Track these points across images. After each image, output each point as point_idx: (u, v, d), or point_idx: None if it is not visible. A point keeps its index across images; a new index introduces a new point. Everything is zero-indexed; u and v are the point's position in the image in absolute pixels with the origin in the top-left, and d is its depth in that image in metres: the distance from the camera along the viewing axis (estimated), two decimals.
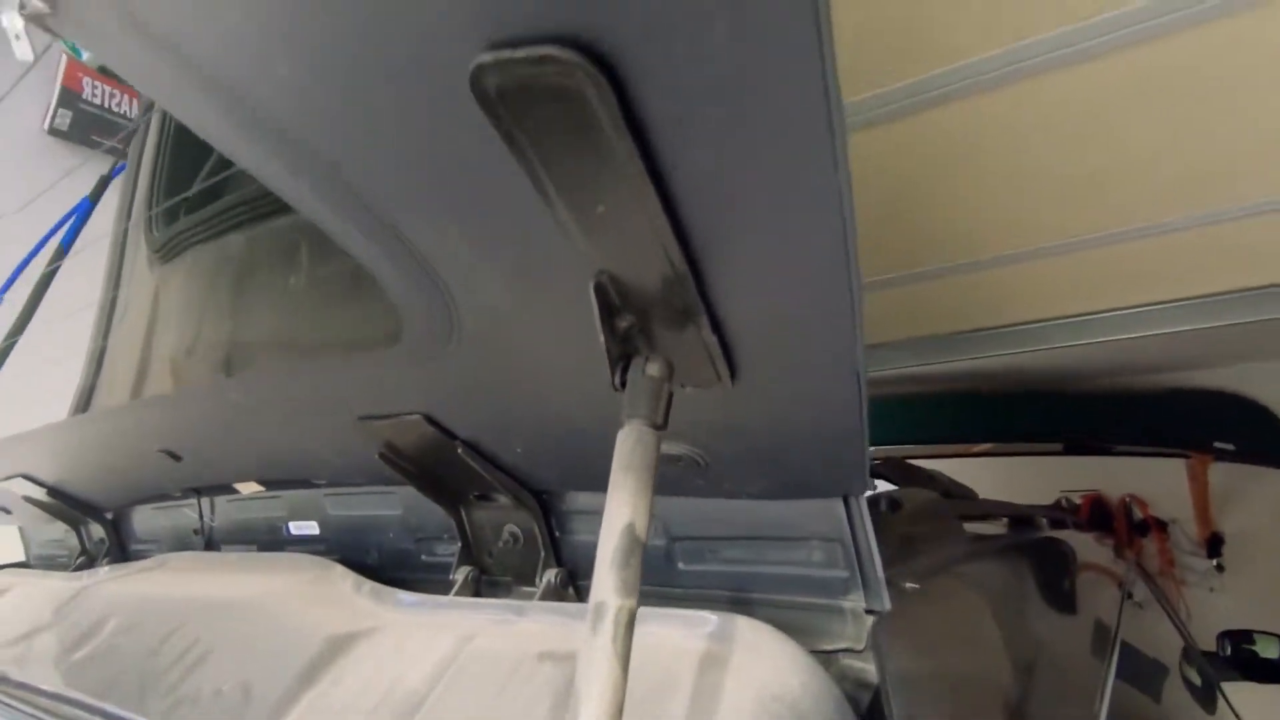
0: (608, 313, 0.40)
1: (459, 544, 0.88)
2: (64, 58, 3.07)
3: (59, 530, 1.48)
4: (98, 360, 1.40)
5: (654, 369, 0.42)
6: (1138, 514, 5.04)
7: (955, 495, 1.10)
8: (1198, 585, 4.68)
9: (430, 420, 0.70)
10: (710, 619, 0.60)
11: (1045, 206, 1.61)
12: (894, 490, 0.86)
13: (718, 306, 0.41)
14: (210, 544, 1.24)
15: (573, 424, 0.62)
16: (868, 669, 0.59)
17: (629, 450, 0.39)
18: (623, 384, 0.43)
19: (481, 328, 0.50)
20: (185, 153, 1.47)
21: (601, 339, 0.41)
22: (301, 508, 1.10)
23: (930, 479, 1.04)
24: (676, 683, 0.56)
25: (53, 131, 3.14)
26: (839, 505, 0.58)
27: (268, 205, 1.10)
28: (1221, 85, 1.31)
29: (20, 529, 1.61)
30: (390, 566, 0.99)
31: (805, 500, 0.60)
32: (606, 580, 0.35)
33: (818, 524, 0.60)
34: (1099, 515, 4.93)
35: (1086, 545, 1.56)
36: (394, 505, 0.98)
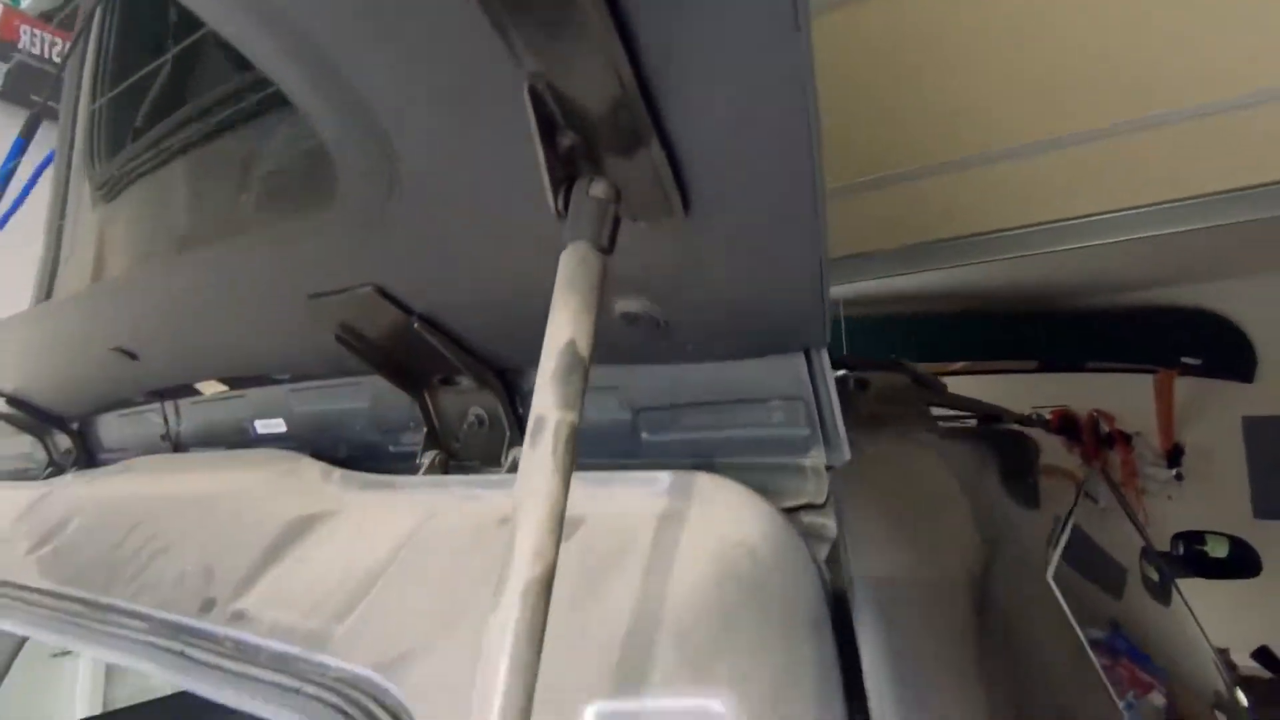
0: (547, 127, 0.38)
1: (424, 430, 0.87)
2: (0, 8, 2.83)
3: (26, 443, 1.45)
4: (55, 249, 1.34)
5: (599, 190, 0.39)
6: (1104, 427, 5.20)
7: (924, 384, 1.10)
8: (1157, 494, 4.88)
9: (382, 293, 0.67)
10: (667, 477, 0.60)
11: (1027, 100, 1.56)
12: (862, 372, 0.86)
13: (669, 125, 0.38)
14: (178, 448, 1.22)
15: (529, 286, 0.60)
16: (827, 524, 0.59)
17: (571, 270, 0.37)
18: (565, 208, 0.40)
19: (421, 168, 0.47)
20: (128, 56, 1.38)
21: (541, 156, 0.38)
22: (267, 405, 1.08)
23: (898, 365, 1.04)
24: (634, 540, 0.56)
25: None
26: (800, 362, 0.57)
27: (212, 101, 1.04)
28: None
29: None
30: (359, 459, 0.98)
31: (767, 358, 0.59)
32: (547, 394, 0.34)
33: (779, 383, 0.59)
34: (1067, 429, 5.07)
35: (1051, 444, 1.59)
36: (360, 397, 0.96)
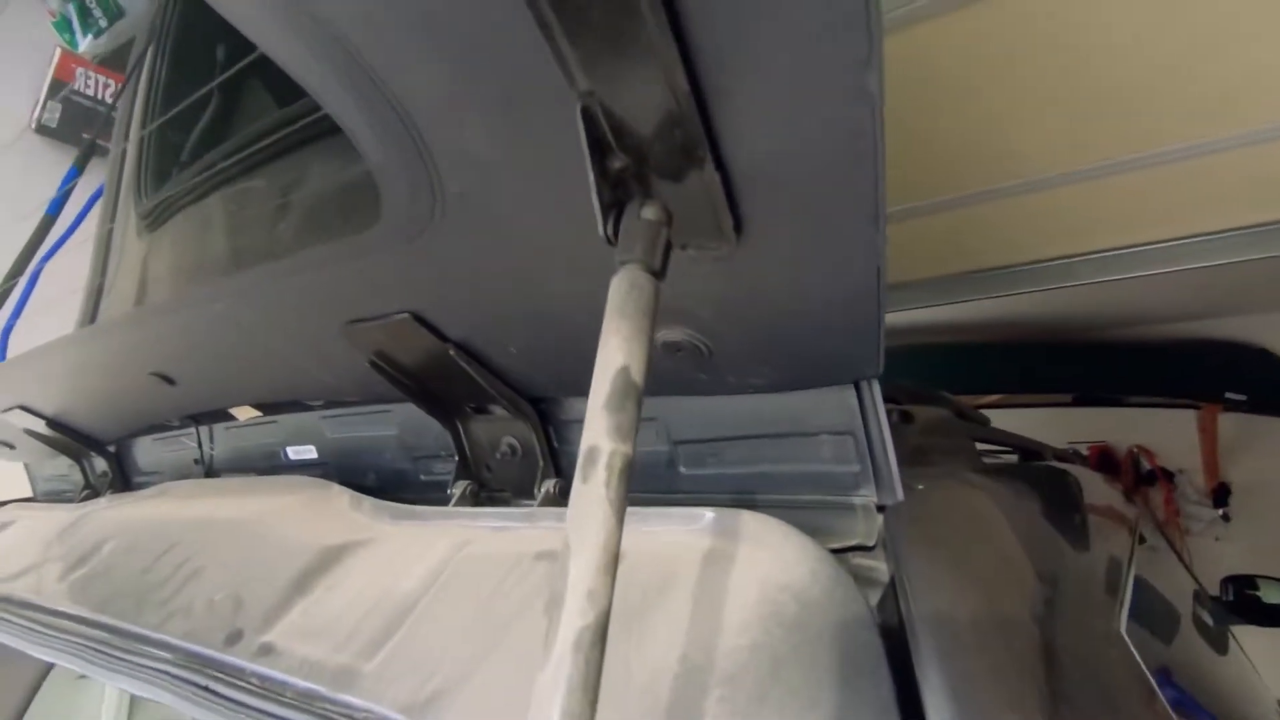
0: (598, 149, 0.36)
1: (456, 459, 0.86)
2: (58, 52, 2.84)
3: (63, 465, 1.47)
4: (100, 276, 1.37)
5: (650, 212, 0.38)
6: (1145, 464, 5.03)
7: (968, 418, 1.07)
8: (1203, 535, 4.69)
9: (419, 319, 0.67)
10: (710, 515, 0.57)
11: (1067, 128, 1.53)
12: (904, 404, 0.83)
13: (724, 145, 0.37)
14: (210, 472, 1.22)
15: (568, 315, 0.58)
16: (878, 566, 0.56)
17: (623, 295, 0.36)
18: (614, 234, 0.39)
19: (465, 187, 0.46)
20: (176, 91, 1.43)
21: (591, 179, 0.37)
22: (299, 432, 1.08)
23: (943, 400, 1.01)
24: (676, 579, 0.54)
25: (40, 129, 2.84)
26: (850, 395, 0.55)
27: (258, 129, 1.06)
28: None
29: (26, 465, 1.61)
30: (388, 487, 0.97)
31: (814, 391, 0.57)
32: (598, 424, 0.32)
33: (827, 416, 0.57)
34: (1106, 465, 4.92)
35: (1095, 481, 1.53)
36: (390, 425, 0.96)
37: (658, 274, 0.37)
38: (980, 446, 1.14)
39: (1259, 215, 1.81)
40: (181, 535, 0.90)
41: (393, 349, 0.74)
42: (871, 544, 0.57)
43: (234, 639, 0.67)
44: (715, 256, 0.44)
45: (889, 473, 0.55)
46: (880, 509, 0.57)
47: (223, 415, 1.18)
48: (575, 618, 0.29)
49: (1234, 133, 1.52)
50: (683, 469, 0.69)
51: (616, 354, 0.34)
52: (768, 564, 0.51)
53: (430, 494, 0.94)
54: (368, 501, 0.86)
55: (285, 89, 1.11)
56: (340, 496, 0.89)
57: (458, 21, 0.34)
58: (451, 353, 0.69)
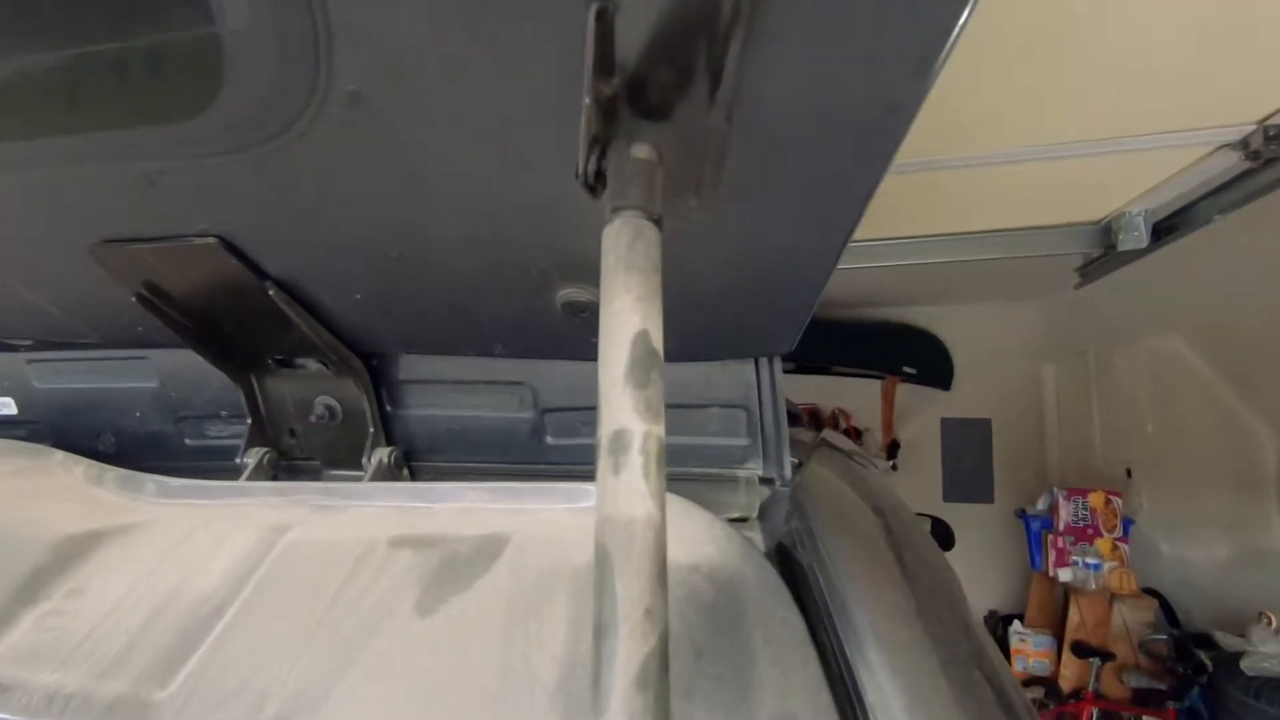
0: (601, 68, 0.30)
1: (248, 421, 0.70)
2: None
3: None
4: None
5: (642, 151, 0.32)
6: (843, 423, 5.99)
7: None
8: None
9: (229, 246, 0.52)
10: (594, 490, 0.53)
11: None
12: None
13: (744, 86, 0.32)
14: None
15: (447, 261, 0.49)
16: (755, 538, 0.57)
17: (626, 246, 0.30)
18: (597, 173, 0.33)
19: (365, 86, 0.36)
20: None
21: (586, 102, 0.30)
22: None
23: None
24: (570, 564, 0.49)
25: None
26: (749, 369, 0.54)
27: None
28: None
29: None
30: (136, 454, 0.77)
31: (710, 363, 0.55)
32: (621, 401, 0.27)
33: (720, 389, 0.56)
34: (815, 423, 5.77)
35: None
36: (146, 375, 0.75)
37: (657, 219, 0.32)
38: None
39: (964, 225, 2.20)
40: None
41: (172, 280, 0.57)
42: (752, 516, 0.58)
43: None
44: (669, 212, 0.39)
45: (779, 448, 0.56)
46: (765, 482, 0.57)
47: None
48: (636, 644, 0.23)
49: (956, 155, 1.80)
50: (549, 438, 0.63)
51: (631, 315, 0.28)
52: (671, 544, 0.49)
53: (201, 462, 0.76)
54: (112, 474, 0.67)
55: None
56: (70, 467, 0.68)
57: None
58: (271, 292, 0.55)
